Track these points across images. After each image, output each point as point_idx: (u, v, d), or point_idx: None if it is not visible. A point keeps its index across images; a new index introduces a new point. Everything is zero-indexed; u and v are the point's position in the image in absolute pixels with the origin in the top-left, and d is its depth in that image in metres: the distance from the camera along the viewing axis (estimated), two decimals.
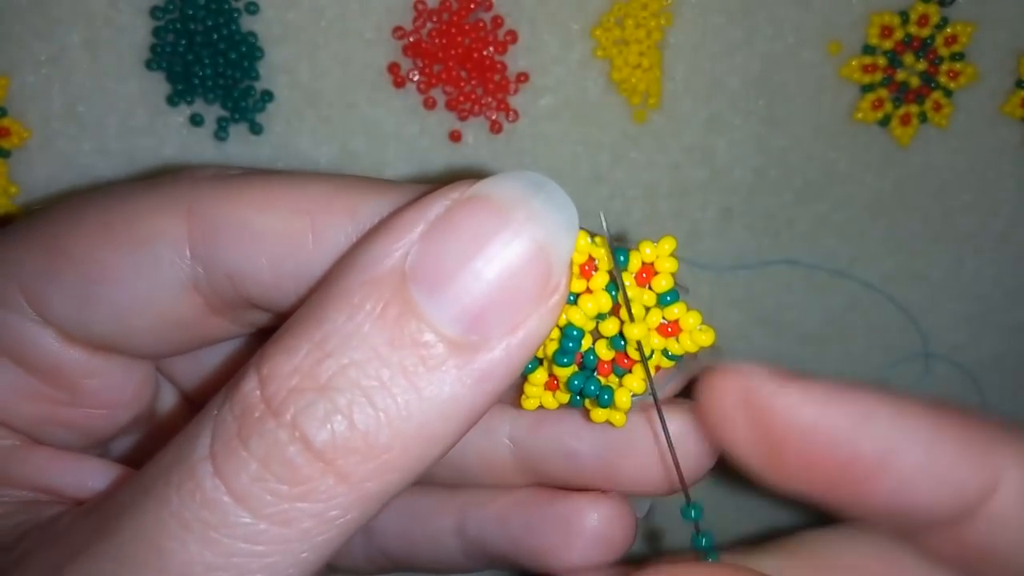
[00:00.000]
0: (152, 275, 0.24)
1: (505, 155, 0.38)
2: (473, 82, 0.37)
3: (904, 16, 0.38)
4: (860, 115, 0.39)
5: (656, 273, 0.22)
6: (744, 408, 0.21)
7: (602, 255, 0.22)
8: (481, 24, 0.36)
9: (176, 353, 0.27)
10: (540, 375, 0.23)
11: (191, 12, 0.35)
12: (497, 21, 0.36)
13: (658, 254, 0.22)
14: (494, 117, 0.37)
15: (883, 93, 0.39)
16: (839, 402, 0.21)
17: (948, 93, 0.39)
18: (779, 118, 0.39)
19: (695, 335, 0.22)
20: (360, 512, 0.19)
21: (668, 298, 0.22)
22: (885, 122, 0.39)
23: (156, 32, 0.35)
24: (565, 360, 0.22)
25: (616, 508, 0.27)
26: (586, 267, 0.22)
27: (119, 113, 0.36)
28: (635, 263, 0.22)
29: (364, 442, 0.19)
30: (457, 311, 0.19)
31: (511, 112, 0.37)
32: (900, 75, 0.39)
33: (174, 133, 0.36)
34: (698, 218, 0.40)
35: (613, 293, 0.22)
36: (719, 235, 0.40)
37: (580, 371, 0.23)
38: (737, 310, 0.41)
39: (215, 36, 0.35)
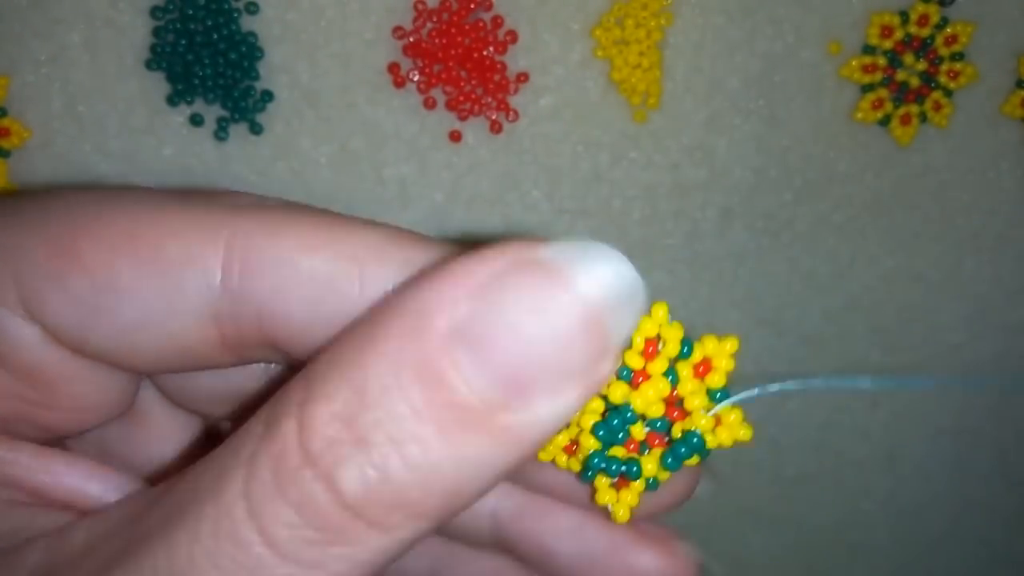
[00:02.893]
0: (173, 299, 0.23)
1: (505, 155, 0.38)
2: (473, 82, 0.37)
3: (904, 16, 0.38)
4: (860, 115, 0.39)
5: (712, 368, 0.22)
6: None
7: (670, 339, 0.22)
8: (481, 24, 0.36)
9: (170, 372, 0.26)
10: (564, 436, 0.23)
11: (191, 12, 0.35)
12: (497, 21, 0.36)
13: (720, 351, 0.22)
14: (494, 117, 0.37)
15: (883, 93, 0.39)
16: None
17: (948, 93, 0.39)
18: (779, 118, 0.39)
19: (734, 429, 0.22)
20: (387, 556, 0.20)
21: (719, 395, 0.22)
22: (885, 122, 0.39)
23: (156, 32, 0.35)
24: (603, 435, 0.22)
25: None
26: (649, 348, 0.22)
27: (119, 113, 0.36)
28: (697, 355, 0.22)
29: (395, 495, 0.19)
30: (500, 374, 0.19)
31: (511, 112, 0.37)
32: (900, 75, 0.39)
33: (174, 133, 0.36)
34: (698, 218, 0.40)
35: (672, 380, 0.22)
36: (719, 235, 0.40)
37: (602, 448, 0.22)
38: (737, 310, 0.41)
39: (215, 36, 0.35)
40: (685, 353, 0.22)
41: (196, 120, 0.36)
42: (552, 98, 0.37)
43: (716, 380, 0.22)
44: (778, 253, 0.41)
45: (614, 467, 0.22)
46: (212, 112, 0.36)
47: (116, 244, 0.23)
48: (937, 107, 0.39)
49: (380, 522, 0.19)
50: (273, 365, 0.27)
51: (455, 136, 0.37)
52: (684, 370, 0.22)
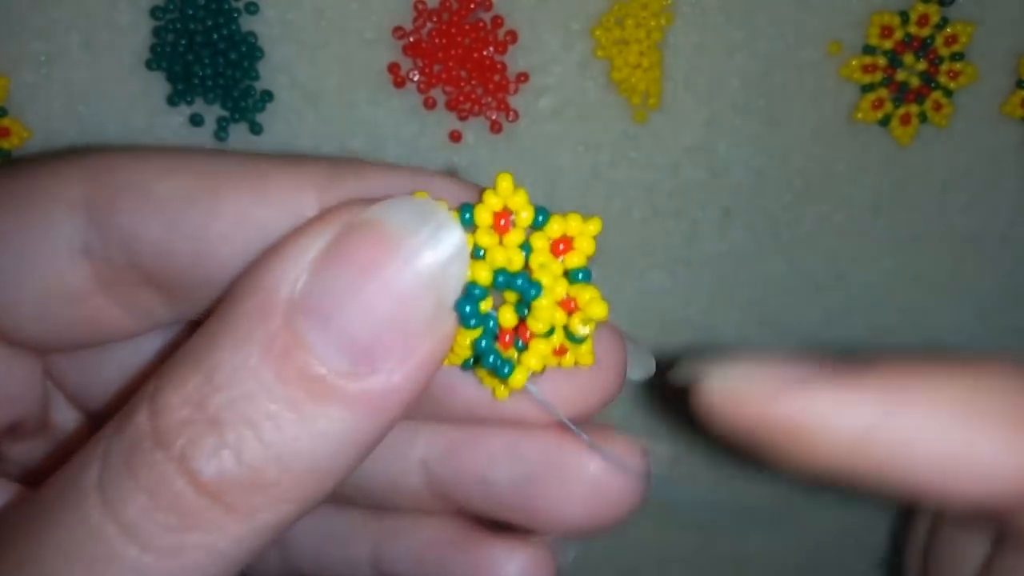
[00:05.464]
0: (42, 237, 0.23)
1: (505, 155, 0.38)
2: (473, 82, 0.37)
3: (904, 16, 0.38)
4: (860, 115, 0.39)
5: (573, 248, 0.21)
6: (752, 415, 0.20)
7: (521, 208, 0.21)
8: (481, 24, 0.36)
9: (65, 345, 0.26)
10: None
11: (191, 12, 0.35)
12: (497, 21, 0.36)
13: (582, 230, 0.21)
14: (494, 117, 0.37)
15: (883, 93, 0.39)
16: (859, 400, 0.20)
17: (948, 93, 0.39)
18: (779, 118, 0.39)
19: (590, 307, 0.21)
20: (252, 543, 0.19)
21: (579, 276, 0.21)
22: (885, 122, 0.39)
23: (156, 32, 0.35)
24: (472, 322, 0.20)
25: (535, 558, 0.26)
26: (502, 220, 0.21)
27: (119, 113, 0.36)
28: (554, 229, 0.21)
29: (252, 477, 0.19)
30: (345, 343, 0.19)
31: (511, 112, 0.37)
32: (900, 75, 0.39)
33: (174, 133, 0.36)
34: (698, 218, 0.40)
35: (526, 254, 0.21)
36: (719, 235, 0.40)
37: (483, 335, 0.21)
38: (737, 310, 0.41)
39: (215, 36, 0.35)
40: (539, 222, 0.21)
41: (196, 120, 0.36)
42: (552, 98, 0.37)
43: (575, 259, 0.21)
44: (778, 253, 0.41)
45: (492, 356, 0.21)
46: (212, 112, 0.36)
47: None
48: (937, 107, 0.39)
49: (239, 506, 0.19)
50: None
51: (455, 136, 0.37)
52: (539, 241, 0.21)
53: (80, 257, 0.23)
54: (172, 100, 0.36)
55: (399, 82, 0.37)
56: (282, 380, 0.19)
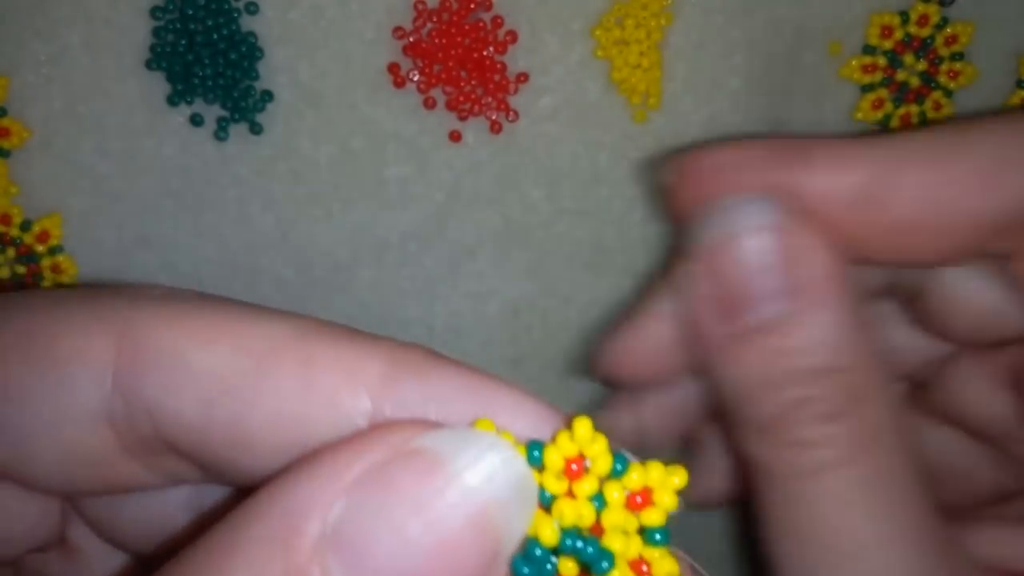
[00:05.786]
0: (63, 400, 0.21)
1: (505, 155, 0.38)
2: (473, 82, 0.37)
3: (904, 16, 0.38)
4: (860, 115, 0.39)
5: (653, 503, 0.18)
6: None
7: (598, 456, 0.18)
8: (481, 24, 0.36)
9: (84, 495, 0.24)
10: None
11: (191, 12, 0.35)
12: (497, 21, 0.36)
13: (664, 482, 0.18)
14: (494, 117, 0.37)
15: (883, 93, 0.39)
16: (854, 162, 0.21)
17: (948, 93, 0.39)
18: (779, 118, 0.39)
19: (658, 566, 0.18)
20: None
21: (657, 537, 0.18)
22: (885, 122, 0.39)
23: (156, 32, 0.35)
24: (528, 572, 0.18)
25: None
26: (573, 466, 0.18)
27: (119, 113, 0.36)
28: (634, 481, 0.18)
29: None
30: None
31: (511, 112, 0.37)
32: (900, 75, 0.39)
33: (174, 133, 0.36)
34: None
35: (598, 507, 0.18)
36: None
37: None
38: None
39: (215, 36, 0.35)
40: (618, 471, 0.18)
41: (196, 120, 0.36)
42: (552, 98, 0.37)
43: (653, 517, 0.18)
44: None
45: None
46: (212, 112, 0.36)
47: (9, 344, 0.21)
48: (937, 107, 0.39)
49: None
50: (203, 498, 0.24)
51: (455, 136, 0.37)
52: (613, 493, 0.18)
53: (103, 424, 0.21)
54: (172, 100, 0.36)
55: (399, 82, 0.37)
56: None
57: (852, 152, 0.25)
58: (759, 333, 0.25)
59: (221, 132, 0.36)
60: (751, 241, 0.24)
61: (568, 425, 0.18)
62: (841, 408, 0.24)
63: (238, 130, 0.37)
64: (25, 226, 0.36)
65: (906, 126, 0.39)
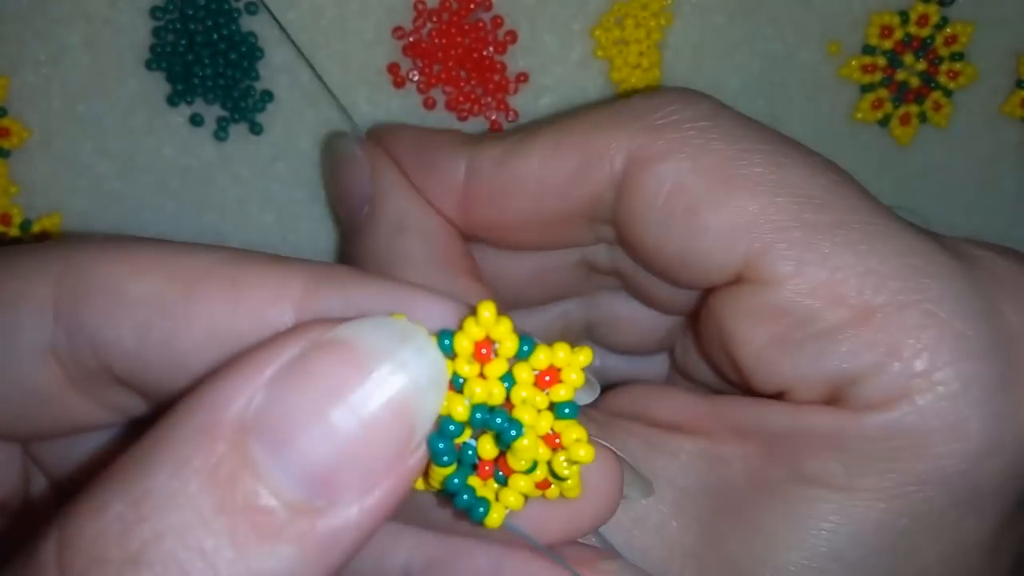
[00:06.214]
0: (10, 339, 0.22)
1: None
2: (473, 82, 0.37)
3: (904, 16, 0.38)
4: (860, 115, 0.39)
5: (560, 381, 0.20)
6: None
7: (504, 338, 0.19)
8: (481, 24, 0.36)
9: (40, 437, 0.24)
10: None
11: (191, 12, 0.35)
12: (497, 21, 0.36)
13: (570, 361, 0.19)
14: (494, 117, 0.37)
15: (883, 93, 0.39)
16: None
17: (948, 93, 0.39)
18: (779, 118, 0.39)
19: (574, 449, 0.19)
20: None
21: (566, 410, 0.20)
22: (885, 122, 0.39)
23: (156, 32, 0.35)
24: (445, 459, 0.19)
25: None
26: (483, 350, 0.19)
27: (119, 113, 0.36)
28: (540, 360, 0.19)
29: None
30: (303, 472, 0.17)
31: (511, 112, 0.37)
32: (900, 75, 0.39)
33: (174, 133, 0.36)
34: None
35: (508, 386, 0.19)
36: None
37: (459, 469, 0.20)
38: None
39: (215, 36, 0.35)
40: (524, 353, 0.19)
41: (196, 120, 0.36)
42: (552, 98, 0.37)
43: (561, 393, 0.19)
44: None
45: (467, 495, 0.20)
46: (212, 112, 0.36)
47: None
48: (937, 107, 0.39)
49: None
50: None
51: None
52: (523, 373, 0.19)
53: (49, 358, 0.22)
54: (172, 100, 0.36)
55: (399, 82, 0.37)
56: (224, 511, 0.16)
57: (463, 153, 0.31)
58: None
59: (221, 132, 0.36)
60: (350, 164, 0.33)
61: (473, 312, 0.19)
62: None
63: (238, 130, 0.37)
64: (25, 226, 0.36)
65: (906, 126, 0.39)
